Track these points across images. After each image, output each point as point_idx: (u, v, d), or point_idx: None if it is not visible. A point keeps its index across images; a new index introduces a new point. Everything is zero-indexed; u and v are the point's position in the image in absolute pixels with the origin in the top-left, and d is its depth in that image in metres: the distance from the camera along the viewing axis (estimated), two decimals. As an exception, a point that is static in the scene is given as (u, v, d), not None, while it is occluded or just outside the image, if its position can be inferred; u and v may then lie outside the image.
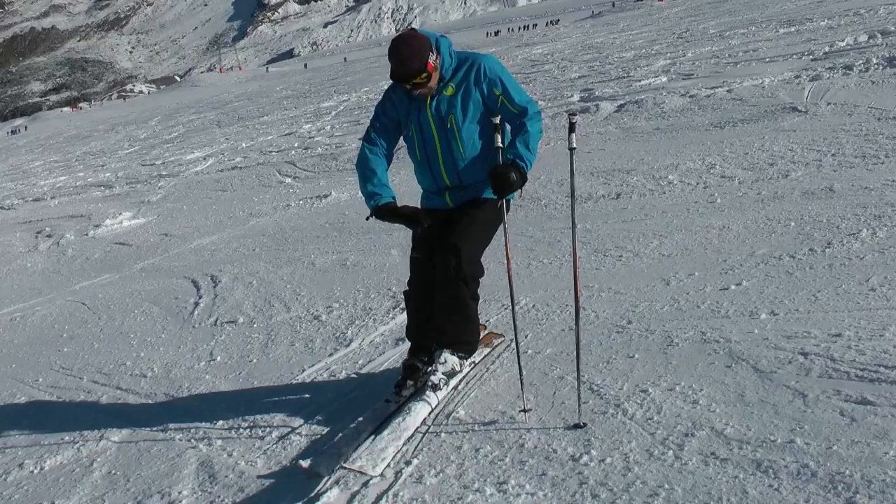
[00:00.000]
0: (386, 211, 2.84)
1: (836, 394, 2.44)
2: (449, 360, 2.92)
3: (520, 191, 2.81)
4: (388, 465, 2.49)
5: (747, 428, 2.36)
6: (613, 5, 46.45)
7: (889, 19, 11.91)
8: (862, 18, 12.97)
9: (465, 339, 2.98)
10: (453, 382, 2.95)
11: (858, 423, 2.27)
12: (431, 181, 2.99)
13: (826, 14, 14.93)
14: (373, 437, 2.63)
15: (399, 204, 2.88)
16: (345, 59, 55.61)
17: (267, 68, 74.76)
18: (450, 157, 2.89)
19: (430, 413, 2.76)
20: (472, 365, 3.13)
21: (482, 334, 3.26)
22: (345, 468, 2.40)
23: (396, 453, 2.51)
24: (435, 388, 2.83)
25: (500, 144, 2.81)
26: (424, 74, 2.74)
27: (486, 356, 3.26)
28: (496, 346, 3.38)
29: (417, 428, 2.68)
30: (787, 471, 2.12)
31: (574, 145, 2.79)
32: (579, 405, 2.61)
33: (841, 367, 2.59)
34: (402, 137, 3.03)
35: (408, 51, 2.72)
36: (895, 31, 10.36)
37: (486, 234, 2.97)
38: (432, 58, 2.76)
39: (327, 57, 74.06)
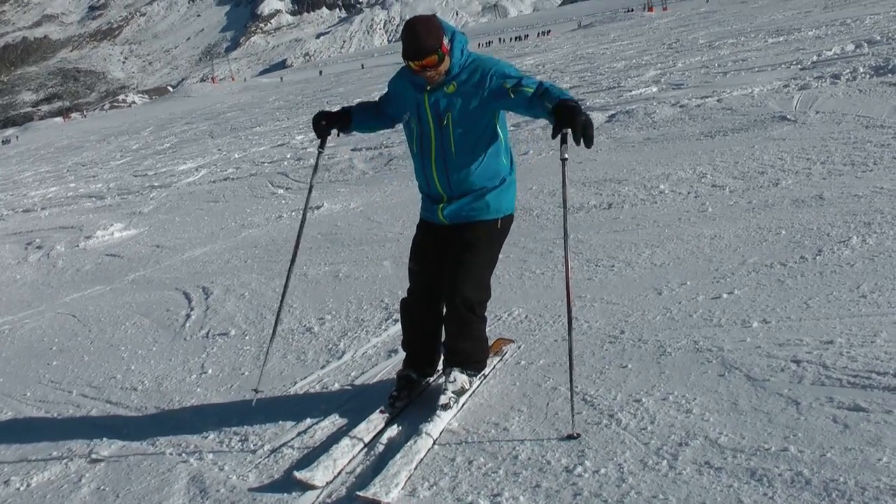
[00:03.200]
0: (323, 114, 3.08)
1: (829, 401, 2.45)
2: (459, 378, 2.92)
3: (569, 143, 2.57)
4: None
5: (741, 436, 2.36)
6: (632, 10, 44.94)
7: (875, 29, 12.06)
8: (849, 28, 13.14)
9: (476, 358, 3.01)
10: (463, 400, 2.94)
11: (851, 429, 2.28)
12: (424, 181, 2.97)
13: (813, 24, 15.11)
14: (386, 460, 2.58)
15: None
16: (362, 66, 56.35)
17: (281, 77, 73.78)
18: (442, 156, 2.85)
19: (440, 434, 2.74)
20: (483, 378, 3.13)
21: (491, 342, 3.26)
22: (359, 496, 2.37)
23: (409, 477, 2.48)
24: (445, 407, 2.83)
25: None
26: (436, 56, 2.68)
27: (495, 367, 3.24)
28: (506, 354, 3.36)
29: (429, 450, 2.64)
30: (781, 479, 2.12)
31: (566, 156, 2.78)
32: (573, 416, 2.60)
33: (833, 374, 2.60)
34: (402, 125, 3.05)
35: (424, 29, 2.67)
36: (881, 41, 10.49)
37: (489, 257, 2.94)
38: (446, 41, 2.71)
39: (347, 62, 74.83)
